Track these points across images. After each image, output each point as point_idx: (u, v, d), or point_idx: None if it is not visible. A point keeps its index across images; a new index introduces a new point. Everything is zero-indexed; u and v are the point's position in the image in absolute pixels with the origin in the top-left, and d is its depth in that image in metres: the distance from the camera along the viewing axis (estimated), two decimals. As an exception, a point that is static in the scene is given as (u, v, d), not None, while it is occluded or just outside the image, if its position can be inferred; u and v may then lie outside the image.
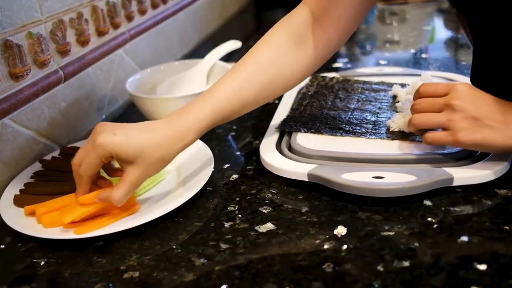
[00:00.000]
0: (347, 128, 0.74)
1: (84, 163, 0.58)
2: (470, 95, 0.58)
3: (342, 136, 0.72)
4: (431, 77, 0.87)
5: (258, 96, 0.67)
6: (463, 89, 0.59)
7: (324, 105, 0.83)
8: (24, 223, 0.62)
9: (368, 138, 0.71)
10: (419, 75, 0.92)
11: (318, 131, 0.74)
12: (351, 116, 0.78)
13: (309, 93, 0.88)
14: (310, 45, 0.69)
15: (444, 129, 0.60)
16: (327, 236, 0.56)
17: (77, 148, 0.77)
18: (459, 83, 0.61)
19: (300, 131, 0.75)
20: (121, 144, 0.56)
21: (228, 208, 0.64)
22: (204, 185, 0.66)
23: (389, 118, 0.75)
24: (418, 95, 0.64)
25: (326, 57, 0.72)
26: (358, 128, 0.74)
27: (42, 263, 0.57)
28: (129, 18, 1.04)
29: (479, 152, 0.65)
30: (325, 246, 0.55)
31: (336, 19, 0.68)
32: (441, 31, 1.36)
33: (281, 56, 0.68)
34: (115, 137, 0.57)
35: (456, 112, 0.58)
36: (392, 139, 0.70)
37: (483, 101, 0.58)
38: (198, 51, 1.34)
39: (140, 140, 0.57)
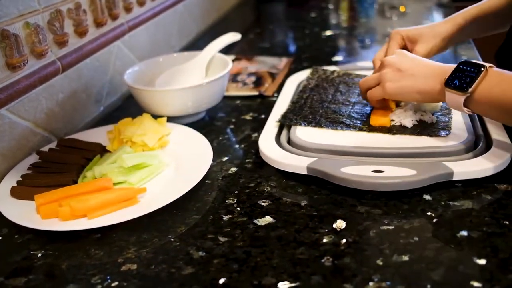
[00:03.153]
0: (347, 122, 0.74)
1: (385, 51, 0.83)
2: (400, 54, 0.71)
3: (342, 130, 0.72)
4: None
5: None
6: (398, 50, 0.72)
7: (324, 99, 0.82)
8: (21, 214, 0.61)
9: (369, 132, 0.71)
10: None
11: (318, 124, 0.74)
12: (352, 110, 0.77)
13: (310, 86, 0.88)
14: None
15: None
16: (326, 230, 0.56)
17: (74, 140, 0.77)
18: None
19: (300, 124, 0.74)
20: (409, 29, 0.82)
21: (227, 201, 0.64)
22: (203, 178, 0.66)
23: (389, 112, 0.75)
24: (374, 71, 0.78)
25: None
26: (359, 122, 0.73)
27: (39, 255, 0.57)
28: (128, 9, 1.03)
29: (479, 146, 0.65)
30: (324, 240, 0.54)
31: None
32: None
33: None
34: (405, 28, 0.83)
35: (386, 66, 0.70)
36: (393, 134, 0.69)
37: (408, 59, 0.69)
38: (197, 43, 1.33)
39: (421, 27, 0.82)
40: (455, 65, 0.63)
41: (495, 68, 0.60)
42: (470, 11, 0.82)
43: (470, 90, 0.59)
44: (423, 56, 0.78)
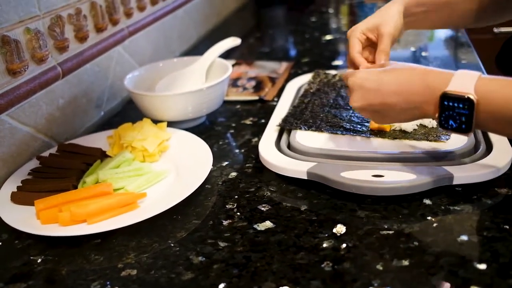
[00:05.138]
0: (347, 126, 0.74)
1: (349, 49, 0.75)
2: (360, 89, 0.62)
3: (342, 134, 0.72)
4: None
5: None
6: (352, 85, 0.63)
7: (325, 103, 0.82)
8: (21, 220, 0.61)
9: (369, 137, 0.71)
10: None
11: (318, 129, 0.74)
12: (353, 114, 0.77)
13: (311, 90, 0.88)
14: None
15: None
16: (326, 235, 0.56)
17: (75, 145, 0.77)
18: (350, 77, 0.64)
19: (300, 128, 0.74)
20: (364, 21, 0.76)
21: (227, 206, 0.64)
22: (203, 182, 0.66)
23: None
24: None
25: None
26: (359, 126, 0.73)
27: (39, 260, 0.57)
28: (128, 14, 1.04)
29: (479, 150, 0.65)
30: (324, 245, 0.54)
31: None
32: (440, 30, 1.36)
33: None
34: (359, 23, 0.77)
35: (360, 111, 0.63)
36: (393, 138, 0.69)
37: (372, 91, 0.60)
38: (197, 48, 1.33)
39: (375, 14, 0.77)
40: (428, 84, 0.55)
41: (480, 90, 0.52)
42: None
43: (471, 130, 0.54)
44: (391, 33, 0.73)
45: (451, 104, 0.53)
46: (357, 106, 0.62)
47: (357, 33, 0.75)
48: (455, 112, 0.53)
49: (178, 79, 0.94)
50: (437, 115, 0.55)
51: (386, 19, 0.74)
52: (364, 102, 0.61)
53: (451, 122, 0.55)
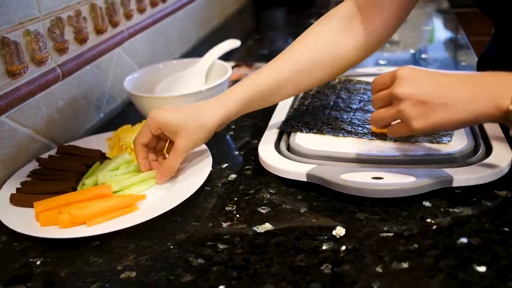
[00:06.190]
0: (349, 129, 0.73)
1: (137, 133, 0.68)
2: (411, 78, 0.54)
3: (344, 136, 0.72)
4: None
5: (293, 76, 0.70)
6: (402, 75, 0.55)
7: (326, 105, 0.82)
8: (20, 222, 0.61)
9: (370, 139, 0.70)
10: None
11: (320, 131, 0.74)
12: (353, 117, 0.77)
13: (311, 92, 0.88)
14: (357, 33, 0.70)
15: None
16: (326, 237, 0.56)
17: (74, 147, 0.77)
18: (400, 68, 0.56)
19: (301, 131, 0.74)
20: (167, 117, 0.66)
21: (226, 208, 0.63)
22: (202, 184, 0.66)
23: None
24: (372, 91, 0.61)
25: (376, 47, 0.73)
26: (360, 129, 0.73)
27: (38, 262, 0.57)
28: (128, 16, 1.04)
29: (479, 152, 0.65)
30: (324, 247, 0.54)
31: (380, 9, 0.69)
32: (440, 32, 1.36)
33: (328, 43, 0.71)
34: (164, 112, 0.67)
35: (402, 101, 0.54)
36: (393, 140, 0.69)
37: (425, 81, 0.54)
38: (197, 50, 1.33)
39: (184, 113, 0.67)
40: (499, 75, 0.51)
41: None
42: (245, 92, 0.69)
43: None
44: (184, 151, 0.66)
45: None
46: (401, 91, 0.54)
47: (152, 124, 0.66)
48: None
49: (178, 81, 0.94)
50: (508, 103, 0.48)
51: (189, 132, 0.65)
52: (413, 89, 0.53)
53: None
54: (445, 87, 0.53)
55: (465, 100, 0.51)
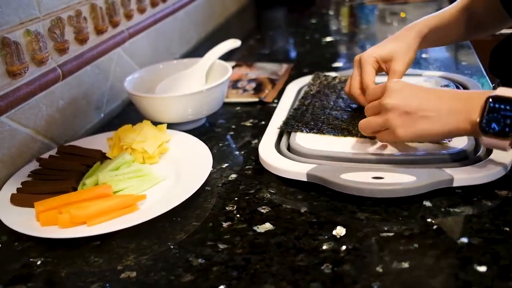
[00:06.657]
0: (349, 129, 0.73)
1: (363, 77, 0.76)
2: (399, 91, 0.60)
3: (344, 136, 0.72)
4: (429, 78, 0.87)
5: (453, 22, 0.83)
6: (392, 87, 0.61)
7: (326, 105, 0.82)
8: (21, 222, 0.61)
9: (371, 139, 0.70)
10: (420, 75, 0.92)
11: (320, 131, 0.74)
12: (354, 117, 0.77)
13: (311, 92, 0.88)
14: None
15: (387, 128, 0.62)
16: (326, 237, 0.56)
17: (75, 147, 0.77)
18: (390, 81, 0.63)
19: (302, 131, 0.74)
20: (380, 51, 0.77)
21: (227, 208, 0.63)
22: (202, 184, 0.66)
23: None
24: (366, 101, 0.68)
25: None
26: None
27: (39, 262, 0.57)
28: (128, 16, 1.04)
29: (479, 152, 0.65)
30: (324, 247, 0.54)
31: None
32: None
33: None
34: (373, 49, 0.78)
35: (389, 111, 0.60)
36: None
37: (412, 94, 0.60)
38: (197, 50, 1.33)
39: (391, 44, 0.78)
40: (473, 93, 0.58)
41: None
42: (431, 20, 0.81)
43: None
44: (402, 72, 0.76)
45: (497, 106, 0.54)
46: (389, 102, 0.60)
47: (372, 61, 0.76)
48: (500, 115, 0.54)
49: (178, 81, 0.94)
50: (478, 119, 0.55)
51: (400, 55, 0.76)
52: (400, 100, 0.59)
53: (493, 125, 0.54)
54: (428, 102, 0.59)
55: (445, 114, 0.58)
